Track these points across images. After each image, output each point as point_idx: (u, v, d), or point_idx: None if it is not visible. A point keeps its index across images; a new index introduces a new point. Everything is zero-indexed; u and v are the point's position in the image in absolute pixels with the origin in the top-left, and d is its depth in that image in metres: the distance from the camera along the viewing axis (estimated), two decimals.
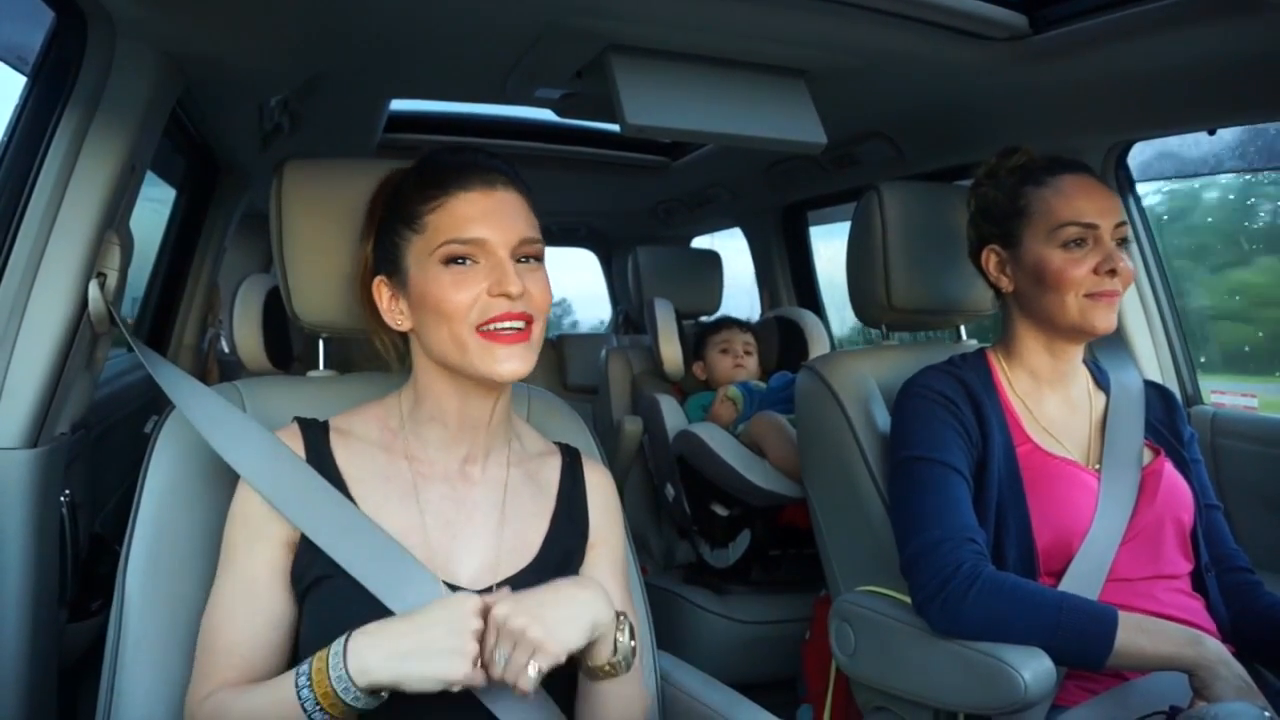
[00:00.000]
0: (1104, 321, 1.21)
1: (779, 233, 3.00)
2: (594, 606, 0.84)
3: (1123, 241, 1.22)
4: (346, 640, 0.79)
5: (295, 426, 0.96)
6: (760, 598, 2.16)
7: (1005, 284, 1.30)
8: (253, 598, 0.88)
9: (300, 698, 0.78)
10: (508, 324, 0.89)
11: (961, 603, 1.09)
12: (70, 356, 1.19)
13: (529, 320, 0.91)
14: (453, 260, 0.90)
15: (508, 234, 0.90)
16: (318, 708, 0.78)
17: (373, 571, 0.87)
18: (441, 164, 0.94)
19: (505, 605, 0.80)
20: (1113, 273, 1.19)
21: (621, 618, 0.87)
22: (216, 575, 0.91)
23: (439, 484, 0.96)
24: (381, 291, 0.97)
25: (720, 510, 2.16)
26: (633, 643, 0.87)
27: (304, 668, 0.80)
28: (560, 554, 0.98)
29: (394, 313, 0.96)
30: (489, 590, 0.91)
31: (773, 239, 3.01)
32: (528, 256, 0.93)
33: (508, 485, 0.98)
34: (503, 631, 0.79)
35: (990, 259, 1.31)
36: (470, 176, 0.92)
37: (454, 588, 0.90)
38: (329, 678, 0.78)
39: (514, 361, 0.90)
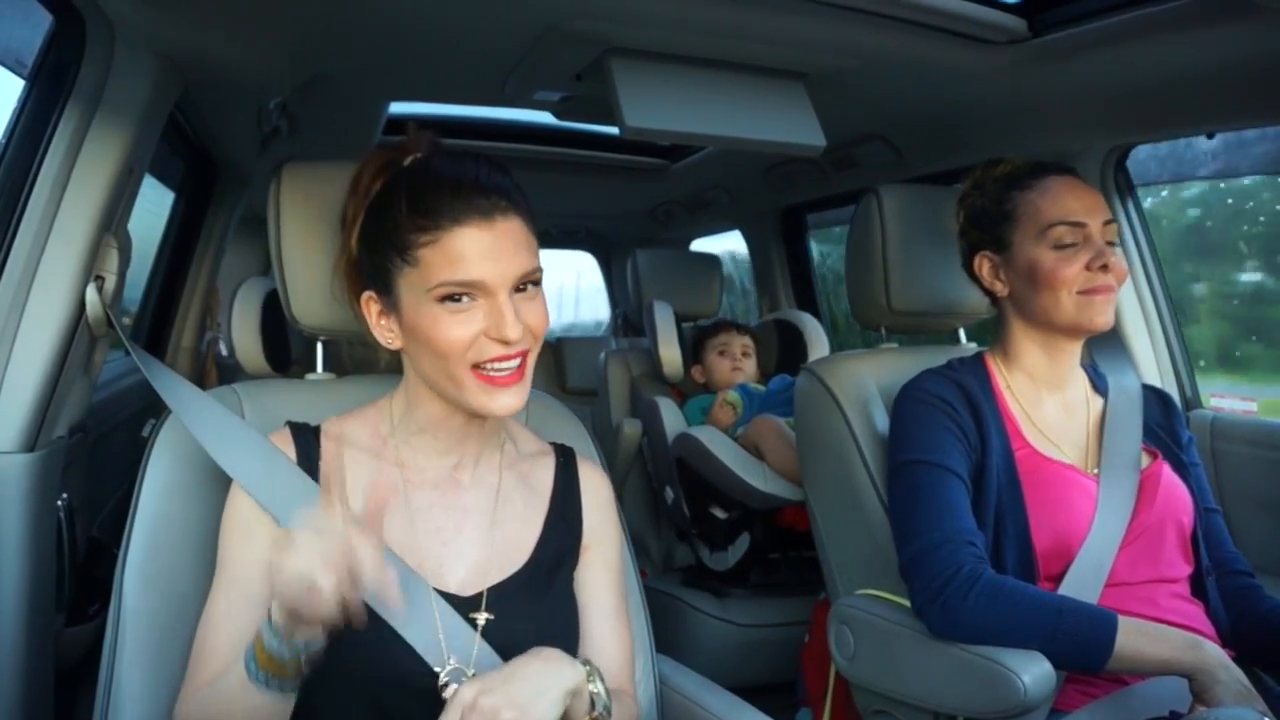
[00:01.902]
0: (1101, 317, 1.21)
1: (778, 235, 3.00)
2: (561, 674, 0.81)
3: (1112, 242, 1.23)
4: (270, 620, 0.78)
5: (286, 430, 0.96)
6: (759, 601, 2.16)
7: (1000, 288, 1.30)
8: (246, 599, 0.88)
9: (245, 665, 0.78)
10: (504, 366, 0.87)
11: (961, 606, 1.09)
12: (68, 360, 1.19)
13: (524, 356, 0.89)
14: (449, 298, 0.86)
15: (507, 271, 0.86)
16: (256, 667, 0.77)
17: None
18: (435, 186, 0.86)
19: (472, 687, 0.76)
20: (1105, 268, 1.20)
21: (589, 668, 0.84)
22: (213, 581, 0.90)
23: (429, 491, 0.95)
24: (371, 307, 0.93)
25: (719, 513, 2.16)
26: (605, 688, 0.85)
27: (251, 639, 0.80)
28: (552, 557, 0.97)
29: (383, 329, 0.93)
30: (479, 596, 0.91)
31: (772, 241, 3.01)
32: (527, 283, 0.89)
33: (499, 491, 0.98)
34: (473, 713, 0.75)
35: (983, 265, 1.31)
36: (467, 207, 0.85)
37: (444, 594, 0.89)
38: (260, 637, 0.77)
39: (507, 398, 0.88)
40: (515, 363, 0.88)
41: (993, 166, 1.32)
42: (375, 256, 0.90)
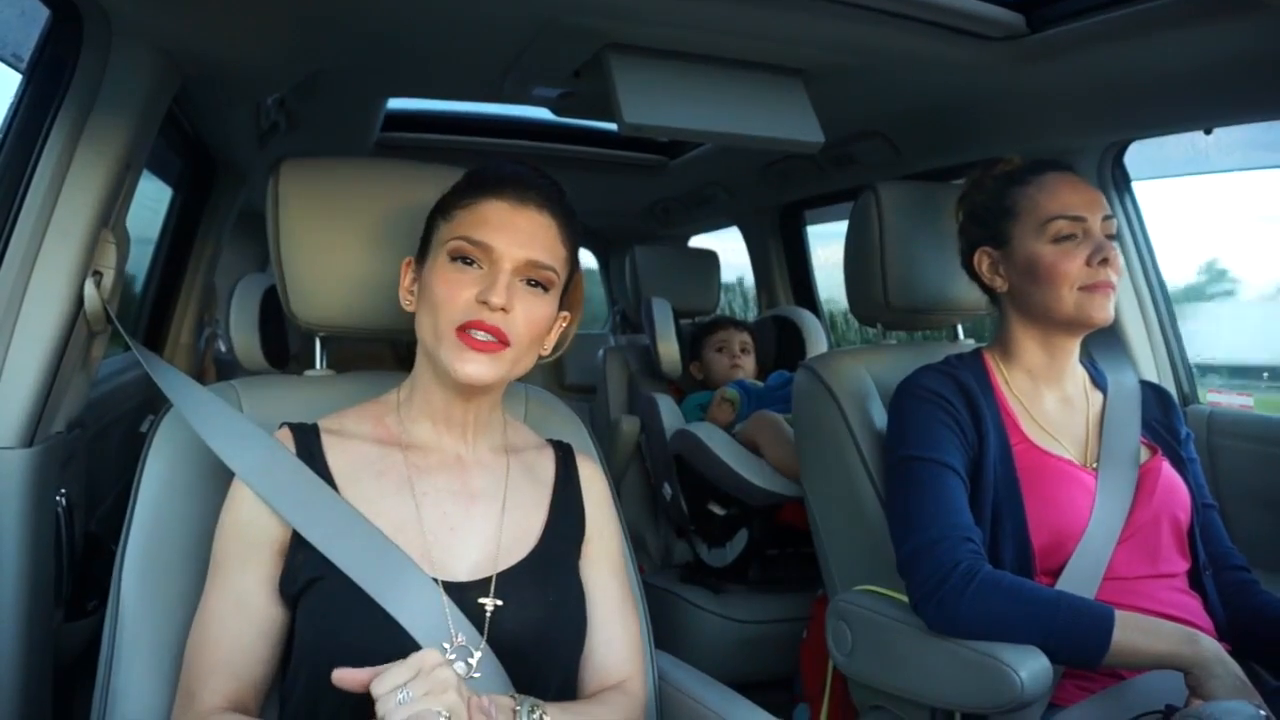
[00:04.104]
0: (1100, 312, 1.21)
1: (776, 232, 3.00)
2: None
3: (1110, 237, 1.23)
4: None
5: (286, 430, 0.96)
6: (757, 597, 2.16)
7: (999, 284, 1.30)
8: (242, 611, 0.88)
9: None
10: (481, 333, 0.89)
11: (958, 601, 1.09)
12: (66, 355, 1.19)
13: (503, 340, 0.90)
14: (459, 257, 0.91)
15: (518, 250, 0.91)
16: None
17: (366, 570, 0.87)
18: (493, 170, 0.96)
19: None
20: (1105, 262, 1.20)
21: (523, 709, 0.82)
22: (206, 585, 0.90)
23: (436, 476, 0.96)
24: (406, 273, 0.99)
25: (718, 509, 2.16)
26: None
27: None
28: (560, 544, 0.98)
29: (406, 292, 0.98)
30: (488, 580, 0.91)
31: (770, 238, 3.01)
32: (536, 281, 0.93)
33: (508, 476, 0.99)
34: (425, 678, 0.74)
35: (983, 261, 1.31)
36: (508, 187, 0.93)
37: (450, 585, 0.89)
38: None
39: (477, 365, 0.89)
40: (492, 337, 0.89)
41: (991, 166, 1.33)
42: (427, 226, 0.98)
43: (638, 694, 1.00)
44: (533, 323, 0.92)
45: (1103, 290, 1.21)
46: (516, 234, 0.91)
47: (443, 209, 0.96)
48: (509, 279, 0.90)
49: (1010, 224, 1.26)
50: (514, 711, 0.81)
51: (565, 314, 1.01)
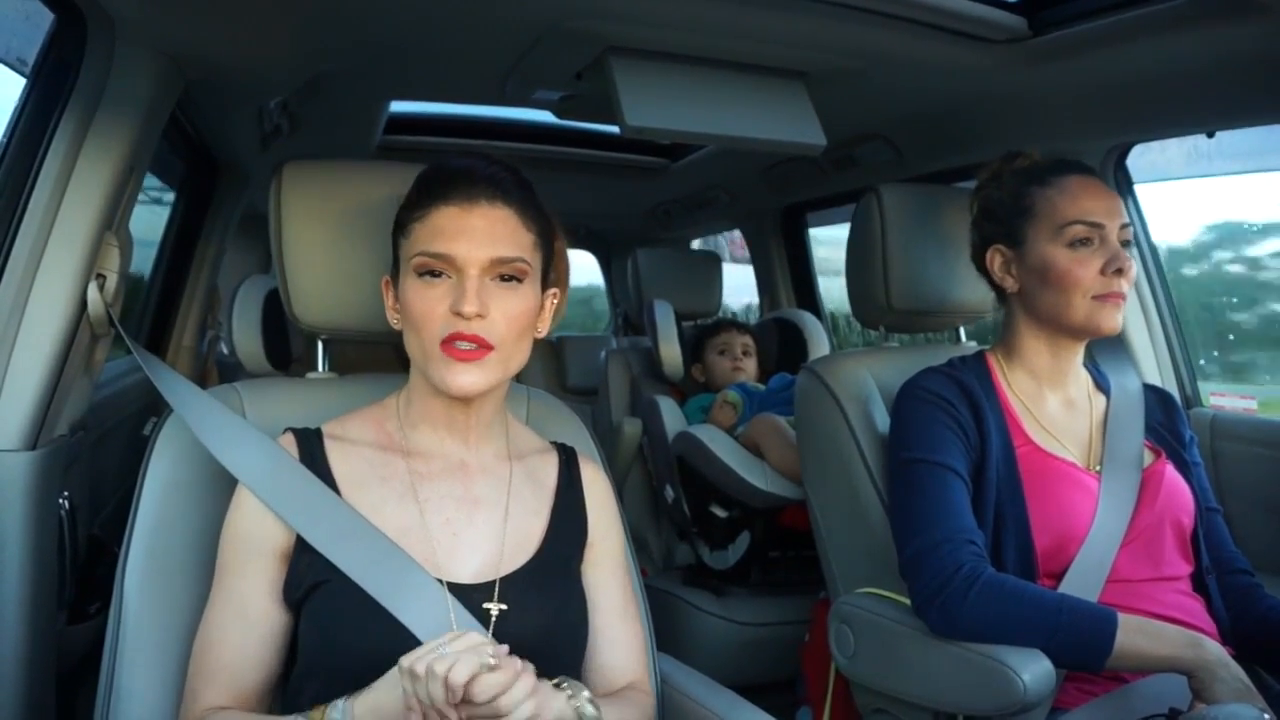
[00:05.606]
0: (1110, 322, 1.21)
1: (778, 235, 3.00)
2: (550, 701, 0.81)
3: (1125, 244, 1.23)
4: (349, 703, 0.78)
5: (290, 435, 0.96)
6: (760, 599, 2.16)
7: (1010, 284, 1.30)
8: (245, 617, 0.88)
9: None
10: (463, 343, 0.89)
11: (961, 604, 1.09)
12: (69, 358, 1.19)
13: (486, 346, 0.89)
14: (426, 272, 0.90)
15: (478, 251, 0.89)
16: None
17: (370, 574, 0.87)
18: (438, 174, 0.94)
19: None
20: (1119, 272, 1.19)
21: (569, 689, 0.84)
22: (211, 591, 0.90)
23: (439, 481, 0.96)
24: (387, 291, 0.98)
25: (719, 512, 2.16)
26: (592, 710, 0.84)
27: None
28: (562, 549, 0.98)
29: (391, 311, 0.98)
30: (491, 585, 0.91)
31: (772, 241, 3.01)
32: (508, 275, 0.91)
33: (510, 482, 0.99)
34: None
35: (995, 259, 1.31)
36: (454, 189, 0.91)
37: (456, 587, 0.89)
38: (325, 715, 0.77)
39: (468, 376, 0.89)
40: (473, 345, 0.89)
41: (1011, 159, 1.31)
42: (394, 244, 0.97)
43: (649, 695, 1.01)
44: (513, 319, 0.91)
45: (1114, 301, 1.20)
46: (473, 235, 0.89)
47: (401, 225, 0.94)
48: (478, 283, 0.89)
49: (1026, 224, 1.26)
50: (558, 686, 0.84)
51: (554, 290, 1.00)
